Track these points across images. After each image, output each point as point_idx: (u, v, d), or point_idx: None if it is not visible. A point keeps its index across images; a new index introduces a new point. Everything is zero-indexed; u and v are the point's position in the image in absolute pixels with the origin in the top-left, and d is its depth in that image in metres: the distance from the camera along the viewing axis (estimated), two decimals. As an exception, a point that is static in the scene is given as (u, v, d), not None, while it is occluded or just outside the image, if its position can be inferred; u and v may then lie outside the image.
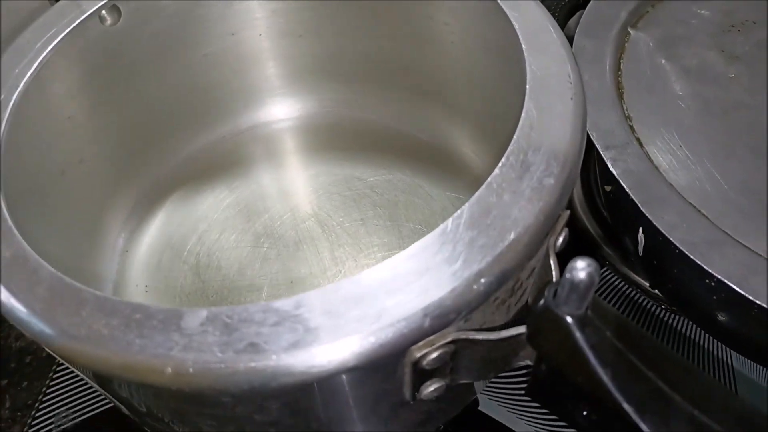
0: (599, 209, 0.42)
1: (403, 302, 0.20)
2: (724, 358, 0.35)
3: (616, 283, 0.40)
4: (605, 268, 0.41)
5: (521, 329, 0.21)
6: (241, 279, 0.37)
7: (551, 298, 0.19)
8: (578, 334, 0.18)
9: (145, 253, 0.39)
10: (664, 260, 0.30)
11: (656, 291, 0.38)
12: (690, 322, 0.37)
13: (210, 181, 0.41)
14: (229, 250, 0.38)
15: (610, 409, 0.18)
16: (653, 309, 0.38)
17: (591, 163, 0.43)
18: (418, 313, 0.20)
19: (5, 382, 0.41)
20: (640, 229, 0.30)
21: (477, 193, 0.22)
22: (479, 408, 0.35)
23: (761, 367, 0.35)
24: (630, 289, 0.40)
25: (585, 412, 0.20)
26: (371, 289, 0.20)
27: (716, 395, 0.18)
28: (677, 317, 0.37)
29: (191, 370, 0.19)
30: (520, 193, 0.22)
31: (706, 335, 0.36)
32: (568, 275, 0.18)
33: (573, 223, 0.43)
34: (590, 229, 0.42)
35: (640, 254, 0.32)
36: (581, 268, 0.17)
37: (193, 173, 0.41)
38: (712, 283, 0.27)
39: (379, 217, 0.39)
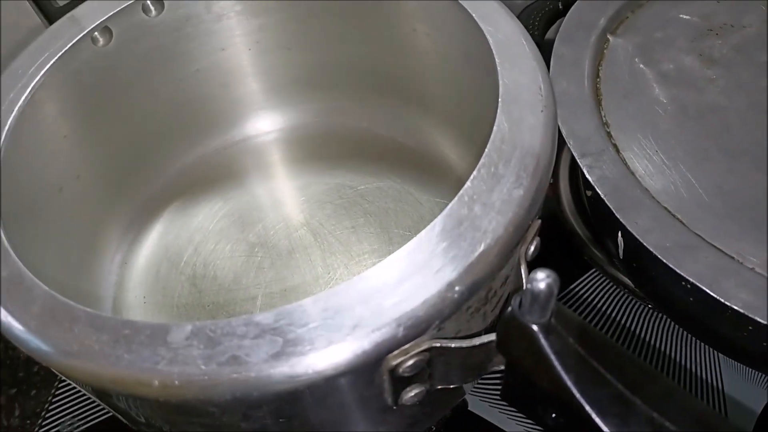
0: (587, 211, 0.43)
1: (378, 313, 0.21)
2: (715, 383, 0.36)
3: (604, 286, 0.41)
4: (593, 269, 0.42)
5: (492, 337, 0.22)
6: (236, 288, 0.38)
7: (517, 307, 0.20)
8: (543, 341, 0.19)
9: (143, 265, 0.40)
10: (642, 263, 0.31)
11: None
12: (679, 347, 0.37)
13: (204, 193, 0.42)
14: (224, 260, 0.39)
15: (575, 412, 0.19)
16: (639, 314, 0.39)
17: (578, 167, 0.44)
18: (392, 324, 0.21)
19: (14, 391, 0.42)
20: (619, 233, 0.31)
21: (449, 206, 0.23)
22: (469, 408, 0.36)
23: (751, 391, 0.35)
24: (618, 290, 0.41)
25: (554, 415, 0.21)
26: (348, 301, 0.21)
27: (675, 398, 0.19)
28: (664, 341, 0.38)
29: (177, 382, 0.20)
30: (490, 205, 0.23)
31: (695, 359, 0.37)
32: (528, 286, 0.19)
33: (562, 226, 0.44)
34: (578, 230, 0.43)
35: (621, 257, 0.33)
36: (541, 279, 0.18)
37: (187, 186, 0.43)
38: (688, 286, 0.28)
39: (370, 224, 0.40)
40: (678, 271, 0.27)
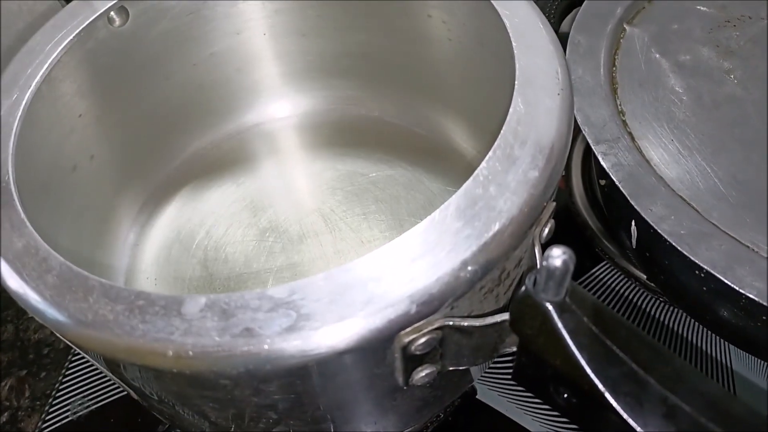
0: (599, 204, 0.43)
1: (391, 289, 0.21)
2: (724, 361, 0.36)
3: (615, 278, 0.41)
4: (605, 262, 0.42)
5: (505, 316, 0.22)
6: (247, 271, 0.38)
7: (531, 286, 0.20)
8: (557, 320, 0.19)
9: (155, 246, 0.40)
10: (656, 252, 0.31)
11: (653, 284, 0.38)
12: (688, 323, 0.37)
13: (217, 178, 0.43)
14: (235, 244, 0.40)
15: (587, 391, 0.19)
16: (648, 308, 0.39)
17: (592, 158, 0.44)
18: (405, 300, 0.21)
19: (24, 373, 0.43)
20: (633, 222, 0.31)
21: (464, 186, 0.23)
22: (477, 397, 0.36)
23: (760, 369, 0.35)
24: (629, 282, 0.40)
25: (566, 395, 0.21)
26: (361, 277, 0.21)
27: (688, 378, 0.19)
28: (675, 318, 0.38)
29: (191, 353, 0.20)
30: (505, 186, 0.23)
31: (704, 337, 0.37)
32: (544, 263, 0.19)
33: (573, 217, 0.44)
34: (590, 223, 0.43)
35: (634, 246, 0.32)
36: (557, 255, 0.18)
37: (200, 169, 0.43)
38: (701, 274, 0.28)
39: (381, 211, 0.40)
40: (692, 258, 0.27)
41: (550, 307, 0.19)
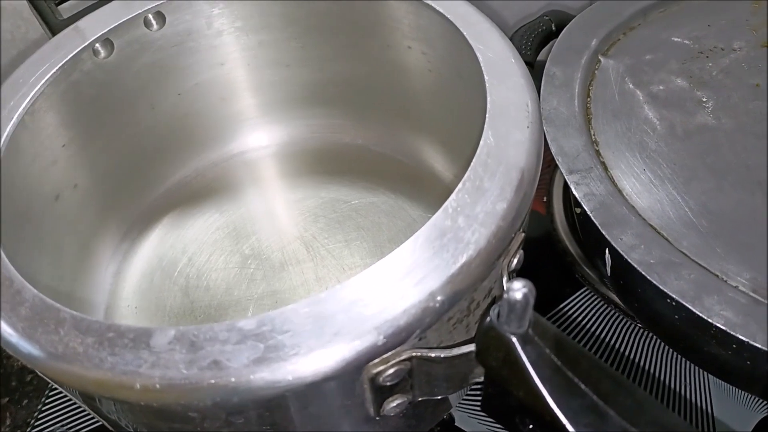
0: (578, 230, 0.43)
1: (359, 321, 0.21)
2: (704, 407, 0.36)
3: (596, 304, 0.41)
4: (585, 288, 0.42)
5: (471, 347, 0.22)
6: (228, 299, 0.38)
7: (495, 318, 0.20)
8: (520, 351, 0.20)
9: (137, 274, 0.40)
10: (628, 280, 0.31)
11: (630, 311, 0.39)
12: (670, 369, 0.37)
13: (200, 205, 0.43)
14: (217, 271, 0.40)
15: (550, 423, 0.19)
16: (628, 334, 0.39)
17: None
18: (372, 332, 0.21)
19: (6, 400, 0.42)
20: (607, 250, 0.32)
21: (433, 217, 0.24)
22: (456, 424, 0.36)
23: (741, 414, 0.35)
24: (609, 309, 0.41)
25: (531, 426, 0.21)
26: (329, 309, 0.22)
27: (649, 410, 0.19)
28: (656, 345, 0.38)
29: (158, 386, 0.20)
30: (473, 217, 0.24)
31: (687, 382, 0.37)
32: (505, 296, 0.19)
33: (555, 244, 0.44)
34: (570, 249, 0.43)
35: (609, 274, 0.33)
36: (517, 288, 0.19)
37: (183, 197, 0.43)
38: (672, 303, 0.28)
39: (363, 238, 0.41)
40: (661, 287, 0.27)
41: (513, 339, 0.20)
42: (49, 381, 0.25)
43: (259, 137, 0.45)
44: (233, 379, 0.20)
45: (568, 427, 0.19)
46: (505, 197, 0.24)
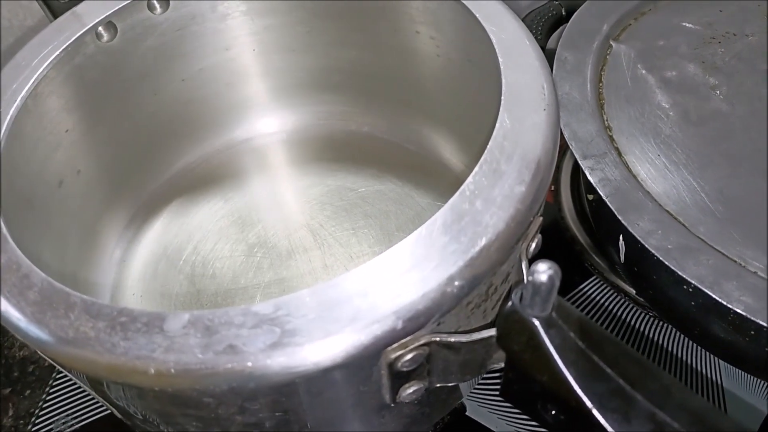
0: (588, 218, 0.43)
1: (377, 305, 0.21)
2: (714, 378, 0.36)
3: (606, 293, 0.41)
4: (594, 277, 0.42)
5: (491, 332, 0.21)
6: (234, 288, 0.38)
7: (518, 301, 0.20)
8: (543, 335, 0.19)
9: (141, 262, 0.40)
10: (644, 267, 0.31)
11: (642, 299, 0.38)
12: (678, 340, 0.37)
13: (205, 193, 0.42)
14: (223, 260, 0.39)
15: (575, 408, 0.19)
16: (639, 326, 0.39)
17: (580, 173, 0.44)
18: (391, 316, 0.21)
19: (8, 391, 0.42)
20: (621, 237, 0.31)
21: (450, 201, 0.23)
22: (467, 413, 0.36)
23: (751, 385, 0.35)
24: (618, 297, 0.40)
25: (553, 412, 0.20)
26: (347, 293, 0.21)
27: (676, 394, 0.19)
28: (664, 334, 0.38)
29: (173, 371, 0.20)
30: (491, 200, 0.23)
31: (695, 354, 0.37)
32: (530, 278, 0.19)
33: (563, 232, 0.44)
34: (579, 237, 0.43)
35: (622, 261, 0.32)
36: (543, 270, 0.18)
37: (188, 184, 0.43)
38: (689, 289, 0.28)
39: (370, 226, 0.40)
40: (680, 273, 0.27)
41: (536, 322, 0.19)
42: (59, 367, 0.24)
43: (264, 124, 0.44)
44: (250, 364, 0.20)
45: (594, 412, 0.18)
46: (522, 180, 0.24)
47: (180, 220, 0.41)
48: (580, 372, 0.19)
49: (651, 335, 0.38)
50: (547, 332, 0.19)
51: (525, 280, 0.23)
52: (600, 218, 0.33)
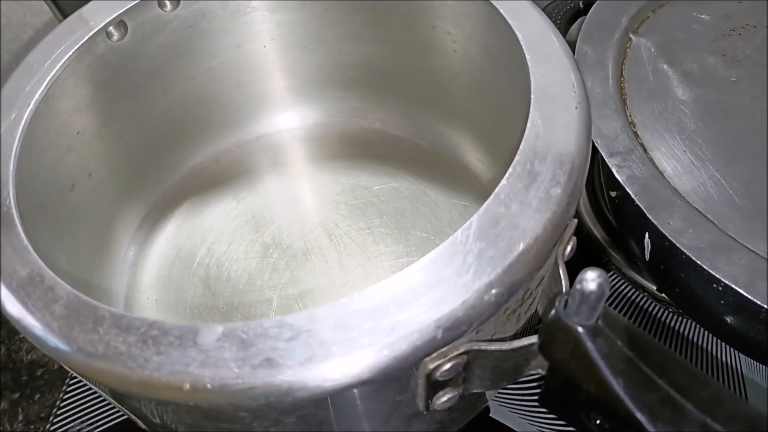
0: (604, 213, 0.42)
1: (415, 315, 0.20)
2: (734, 365, 0.36)
3: (623, 288, 0.41)
4: (612, 273, 0.42)
5: (533, 339, 0.21)
6: (250, 290, 0.37)
7: (562, 309, 0.19)
8: (589, 344, 0.19)
9: (155, 265, 0.39)
10: (671, 265, 0.30)
11: (663, 295, 0.38)
12: (697, 328, 0.37)
13: (217, 193, 0.42)
14: (238, 261, 0.39)
15: (623, 418, 0.18)
16: (659, 314, 0.38)
17: (595, 168, 0.44)
18: (431, 326, 0.20)
19: (17, 395, 0.41)
20: (647, 235, 0.31)
21: (485, 204, 0.23)
22: (491, 415, 0.35)
23: None
24: (637, 293, 0.40)
25: (598, 421, 0.20)
26: (383, 303, 0.21)
27: (726, 402, 0.18)
28: (684, 322, 0.38)
29: (209, 386, 0.19)
30: (527, 204, 0.23)
31: (715, 341, 0.36)
32: (578, 286, 0.18)
33: (578, 228, 0.43)
34: (596, 233, 0.42)
35: (647, 259, 0.32)
36: (591, 279, 0.18)
37: (200, 185, 0.42)
38: (720, 288, 0.27)
39: (386, 225, 0.39)
40: (713, 273, 0.26)
41: (582, 331, 0.19)
42: (89, 383, 0.24)
43: (276, 122, 0.44)
44: (288, 378, 0.19)
45: (645, 423, 0.18)
46: (558, 182, 0.23)
47: (192, 221, 0.41)
48: (629, 381, 0.18)
49: (676, 327, 0.38)
50: (593, 341, 0.19)
51: (563, 286, 0.22)
52: (624, 215, 0.33)
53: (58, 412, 0.39)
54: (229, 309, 0.37)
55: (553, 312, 0.20)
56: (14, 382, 0.42)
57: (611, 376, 0.18)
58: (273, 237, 0.40)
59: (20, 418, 0.41)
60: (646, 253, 0.32)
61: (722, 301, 0.28)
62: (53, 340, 0.21)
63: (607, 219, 0.42)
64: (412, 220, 0.39)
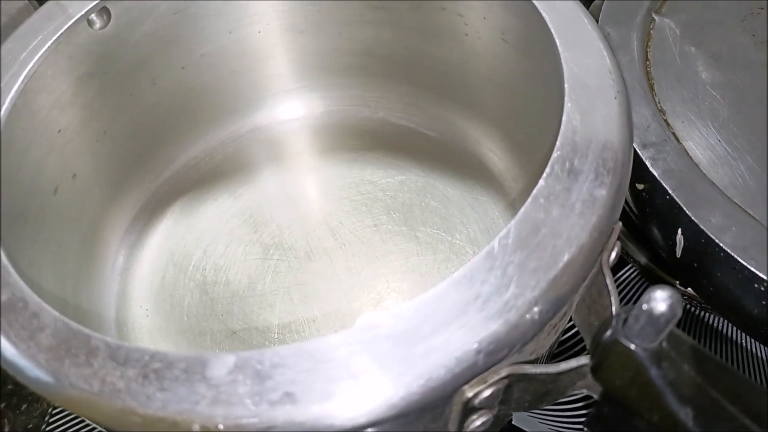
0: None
1: (452, 339, 0.18)
2: (764, 356, 0.34)
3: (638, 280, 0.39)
4: (630, 265, 0.40)
5: (583, 361, 0.19)
6: (251, 295, 0.35)
7: (620, 329, 0.17)
8: (653, 371, 0.17)
9: (147, 270, 0.36)
10: (707, 263, 0.28)
11: (688, 289, 0.36)
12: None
13: (212, 190, 0.39)
14: (236, 264, 0.36)
15: (691, 451, 0.16)
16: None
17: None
18: (470, 350, 0.18)
19: (3, 405, 0.39)
20: (679, 231, 0.29)
21: (522, 209, 0.20)
22: (513, 423, 0.33)
23: None
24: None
25: (658, 451, 0.18)
26: (414, 325, 0.18)
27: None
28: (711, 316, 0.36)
29: (221, 426, 0.17)
30: (570, 207, 0.20)
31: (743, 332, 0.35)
32: (645, 306, 0.16)
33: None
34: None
35: (678, 256, 0.30)
36: (662, 298, 0.15)
37: (193, 181, 0.39)
38: (762, 288, 0.25)
39: (394, 221, 0.37)
40: (759, 273, 0.24)
41: (644, 355, 0.17)
42: (85, 420, 0.21)
43: (273, 112, 0.41)
44: (312, 415, 0.17)
45: (720, 458, 0.16)
46: (602, 182, 0.21)
47: (186, 221, 0.38)
48: (699, 411, 0.16)
49: (699, 314, 0.36)
50: (657, 366, 0.16)
51: (612, 297, 0.20)
52: (653, 209, 0.31)
53: (51, 420, 0.37)
54: (228, 316, 0.34)
55: (609, 332, 0.17)
56: (-1, 393, 0.40)
57: (678, 405, 0.16)
58: (273, 237, 0.37)
59: (6, 429, 0.38)
60: (677, 249, 0.30)
61: (763, 302, 0.26)
62: (41, 376, 0.18)
63: (623, 211, 0.40)
64: (422, 215, 0.37)
